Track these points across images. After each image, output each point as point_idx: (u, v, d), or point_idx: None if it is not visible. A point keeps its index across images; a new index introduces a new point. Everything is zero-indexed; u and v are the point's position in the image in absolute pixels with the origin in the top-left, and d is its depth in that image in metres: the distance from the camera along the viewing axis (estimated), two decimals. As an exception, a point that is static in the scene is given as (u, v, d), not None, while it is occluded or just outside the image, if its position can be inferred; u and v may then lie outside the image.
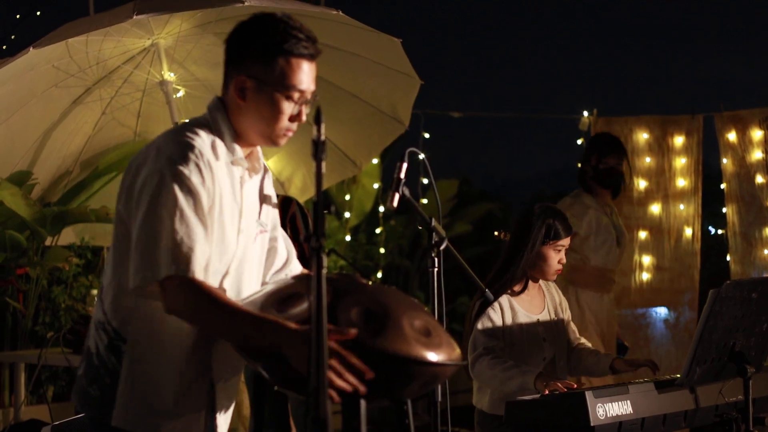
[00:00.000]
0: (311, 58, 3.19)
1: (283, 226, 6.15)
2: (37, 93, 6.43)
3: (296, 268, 3.59)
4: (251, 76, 3.16)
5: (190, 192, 3.04)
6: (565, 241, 4.96)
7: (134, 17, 5.57)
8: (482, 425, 4.94)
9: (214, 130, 3.20)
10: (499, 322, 4.85)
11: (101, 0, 8.76)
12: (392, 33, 6.34)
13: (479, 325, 4.81)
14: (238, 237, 3.23)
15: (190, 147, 3.09)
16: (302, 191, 7.49)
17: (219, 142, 3.18)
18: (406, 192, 4.01)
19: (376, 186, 11.56)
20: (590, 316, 7.09)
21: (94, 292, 7.44)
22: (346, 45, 6.49)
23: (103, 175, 7.16)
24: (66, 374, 7.96)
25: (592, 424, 4.00)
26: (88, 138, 7.02)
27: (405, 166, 4.06)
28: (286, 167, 7.47)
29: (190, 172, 3.06)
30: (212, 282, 3.11)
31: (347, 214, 11.44)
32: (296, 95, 3.17)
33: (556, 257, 4.94)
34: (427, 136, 10.13)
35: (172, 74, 6.47)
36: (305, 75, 3.18)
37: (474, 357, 4.76)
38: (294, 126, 3.23)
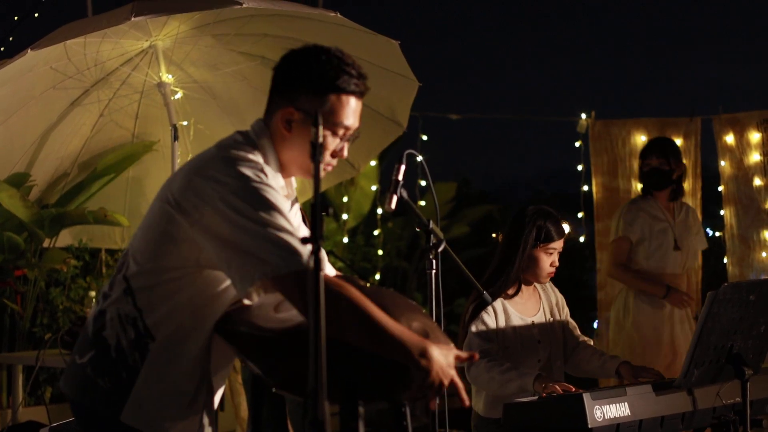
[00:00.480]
0: (360, 95, 3.21)
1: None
2: (35, 95, 6.43)
3: None
4: (300, 109, 3.15)
5: (270, 190, 3.02)
6: (557, 244, 4.93)
7: (132, 19, 5.56)
8: (480, 428, 4.94)
9: (263, 155, 3.18)
10: (492, 325, 4.84)
11: (99, 2, 8.79)
12: (390, 35, 6.34)
13: (473, 329, 4.81)
14: None
15: (253, 162, 3.08)
16: (300, 193, 7.43)
17: (267, 167, 3.15)
18: (404, 194, 4.01)
19: (374, 188, 11.56)
20: (637, 320, 7.04)
21: (92, 293, 7.44)
22: (344, 47, 6.44)
23: (101, 177, 7.16)
24: (64, 376, 7.95)
25: (589, 426, 4.00)
26: (86, 140, 7.02)
27: (403, 168, 4.06)
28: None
29: (259, 175, 3.04)
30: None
31: (345, 216, 11.44)
32: (341, 131, 3.18)
33: (547, 260, 4.92)
34: (425, 138, 10.14)
35: (170, 76, 6.46)
36: (352, 112, 3.19)
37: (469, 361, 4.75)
38: (335, 162, 3.24)
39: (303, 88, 3.15)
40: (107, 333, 3.18)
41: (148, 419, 3.15)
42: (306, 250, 2.91)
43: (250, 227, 2.95)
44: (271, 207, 2.98)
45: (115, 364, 3.15)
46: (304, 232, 3.29)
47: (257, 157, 3.12)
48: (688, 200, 8.68)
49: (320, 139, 2.66)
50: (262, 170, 3.07)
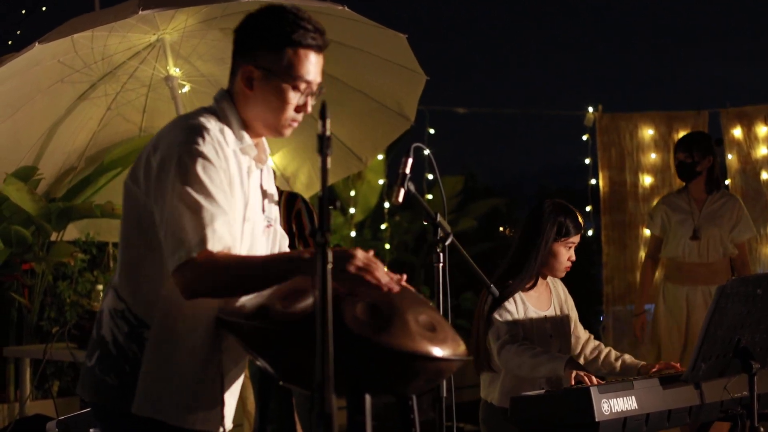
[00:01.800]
0: (319, 49, 3.23)
1: (289, 221, 6.20)
2: (43, 88, 6.43)
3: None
4: (259, 66, 3.19)
5: (208, 166, 3.05)
6: (575, 239, 4.97)
7: (140, 12, 5.57)
8: (489, 419, 4.95)
9: (222, 118, 3.22)
10: (515, 314, 4.86)
11: (106, -5, 8.78)
12: (398, 29, 6.34)
13: (498, 317, 4.82)
14: (243, 225, 3.24)
15: (203, 128, 3.11)
16: (307, 187, 7.48)
17: (227, 130, 3.20)
18: (412, 187, 4.01)
19: (381, 182, 11.57)
20: (667, 307, 7.34)
21: (100, 287, 7.44)
22: (351, 40, 6.49)
23: (108, 171, 7.16)
24: (71, 369, 7.97)
25: (596, 420, 4.00)
26: (93, 133, 7.02)
27: (410, 161, 4.05)
28: (291, 163, 7.47)
29: (205, 149, 3.07)
30: None
31: (352, 210, 11.44)
32: (303, 86, 3.20)
33: (566, 254, 4.96)
34: (432, 132, 10.14)
35: (177, 70, 6.47)
36: (312, 66, 3.21)
37: (500, 344, 4.76)
38: (299, 117, 3.25)
39: (260, 45, 3.19)
40: (104, 331, 3.21)
41: (160, 407, 3.15)
42: (200, 232, 2.98)
43: (173, 206, 3.02)
44: (195, 183, 3.02)
45: (117, 359, 3.17)
46: (253, 207, 3.30)
47: (211, 123, 3.14)
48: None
49: (327, 133, 2.66)
50: (208, 139, 3.09)
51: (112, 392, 3.17)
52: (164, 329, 3.14)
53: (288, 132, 3.28)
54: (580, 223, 5.00)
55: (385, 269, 3.00)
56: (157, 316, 3.14)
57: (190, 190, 3.02)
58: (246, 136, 3.25)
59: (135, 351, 3.14)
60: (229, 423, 3.37)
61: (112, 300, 3.21)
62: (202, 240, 2.99)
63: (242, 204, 3.23)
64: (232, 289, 3.07)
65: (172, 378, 3.16)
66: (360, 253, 2.99)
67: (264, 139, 3.37)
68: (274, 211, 3.50)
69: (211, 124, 3.16)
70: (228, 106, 3.25)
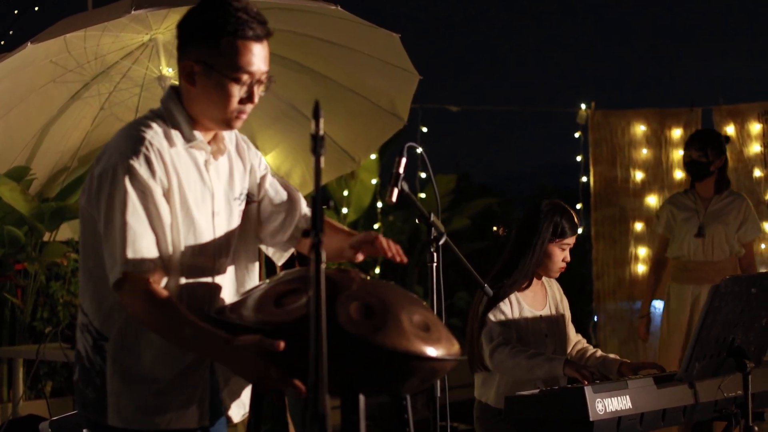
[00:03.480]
0: (258, 39, 3.17)
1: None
2: (35, 88, 6.42)
3: (303, 208, 3.55)
4: (198, 61, 3.15)
5: (140, 185, 3.06)
6: (570, 240, 4.97)
7: (132, 12, 5.55)
8: (484, 419, 4.94)
9: (168, 119, 3.21)
10: (510, 315, 4.86)
11: (99, -5, 8.77)
12: (393, 28, 6.33)
13: (492, 318, 4.82)
14: (213, 220, 3.24)
15: (140, 140, 3.10)
16: (301, 187, 7.47)
17: (174, 132, 3.18)
18: (405, 187, 4.00)
19: (374, 181, 11.56)
20: (671, 307, 7.31)
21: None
22: (344, 40, 6.48)
23: (101, 171, 7.13)
24: (64, 369, 7.96)
25: (591, 419, 4.00)
26: (86, 133, 7.00)
27: (404, 160, 4.04)
28: (284, 162, 7.47)
29: (140, 165, 3.07)
30: (196, 261, 3.18)
31: (345, 210, 11.44)
32: (244, 77, 3.15)
33: (560, 255, 4.96)
34: (425, 130, 10.13)
35: (170, 69, 6.45)
36: (253, 57, 3.16)
37: (492, 347, 4.76)
38: (247, 108, 3.21)
39: (198, 39, 3.16)
40: (78, 346, 3.25)
41: (129, 417, 3.15)
42: (132, 249, 3.02)
43: (106, 227, 3.06)
44: (121, 207, 3.04)
45: (89, 372, 3.19)
46: (219, 199, 3.29)
47: (153, 129, 3.15)
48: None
49: (320, 132, 2.65)
50: (145, 152, 3.09)
51: (93, 405, 3.19)
52: (120, 340, 3.15)
53: (238, 124, 3.24)
54: (576, 224, 5.00)
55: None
56: (114, 328, 3.15)
57: (118, 207, 3.04)
58: (196, 133, 3.22)
59: (100, 363, 3.17)
60: (237, 416, 3.36)
61: (80, 314, 3.24)
62: (130, 261, 3.01)
63: (208, 198, 3.23)
64: (158, 330, 3.09)
65: (133, 386, 3.15)
66: (273, 374, 2.97)
67: (233, 132, 3.36)
68: (250, 181, 3.46)
69: (154, 129, 3.15)
70: (174, 105, 3.23)
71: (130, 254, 3.01)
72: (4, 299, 7.84)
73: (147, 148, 3.09)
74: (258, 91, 3.20)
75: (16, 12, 11.70)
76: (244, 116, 3.23)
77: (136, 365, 3.15)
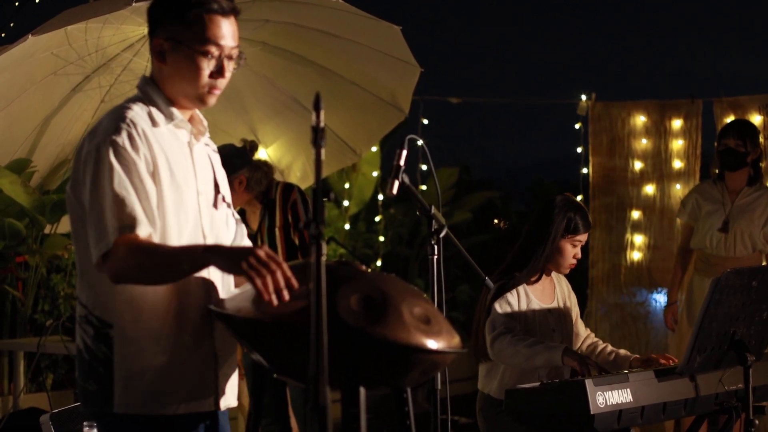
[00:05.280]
0: (224, 13, 3.20)
1: (285, 212, 6.20)
2: (36, 81, 6.41)
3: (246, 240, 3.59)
4: (167, 38, 3.20)
5: (125, 159, 3.08)
6: (583, 237, 4.97)
7: (133, 4, 5.55)
8: (486, 411, 4.94)
9: (147, 101, 3.25)
10: (516, 307, 4.86)
11: (99, -13, 8.75)
12: (394, 20, 6.33)
13: (498, 308, 4.81)
14: (198, 198, 3.26)
15: (122, 118, 3.14)
16: (302, 179, 7.47)
17: (155, 110, 3.23)
18: (406, 179, 4.00)
19: (375, 174, 11.54)
20: (692, 299, 7.25)
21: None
22: (345, 32, 6.48)
23: (102, 163, 7.14)
24: (65, 362, 7.97)
25: (591, 413, 4.00)
26: (87, 126, 6.99)
27: (405, 153, 4.04)
28: (285, 155, 7.47)
29: (123, 140, 3.09)
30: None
31: (346, 203, 11.43)
32: (213, 50, 3.19)
33: (572, 251, 4.96)
34: (426, 122, 10.12)
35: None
36: (220, 30, 3.19)
37: (494, 336, 4.75)
38: (219, 83, 3.24)
39: (165, 16, 3.21)
40: (77, 340, 3.25)
41: (141, 401, 3.15)
42: (117, 221, 3.03)
43: (92, 204, 3.07)
44: (108, 181, 3.06)
45: (90, 364, 3.18)
46: (203, 180, 3.31)
47: (134, 110, 3.18)
48: (687, 179, 8.68)
49: (321, 124, 2.65)
50: (128, 129, 3.11)
51: (96, 397, 3.18)
52: (127, 324, 3.15)
53: (212, 100, 3.26)
54: (589, 222, 5.01)
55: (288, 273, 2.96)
56: (117, 313, 3.15)
57: (105, 181, 3.05)
58: (175, 111, 3.26)
59: (105, 351, 3.16)
60: (232, 401, 3.36)
61: (78, 307, 3.24)
62: (120, 227, 3.02)
63: (191, 177, 3.25)
64: (152, 272, 3.09)
65: (144, 370, 3.15)
66: (261, 252, 2.96)
67: (197, 111, 3.37)
68: (228, 190, 3.49)
69: (134, 110, 3.19)
70: (150, 88, 3.27)
71: (119, 222, 3.03)
72: (5, 292, 7.84)
73: (129, 126, 3.12)
74: (228, 67, 3.23)
75: (17, 3, 11.68)
76: (217, 92, 3.26)
77: (142, 348, 3.15)
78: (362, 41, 6.61)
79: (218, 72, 3.21)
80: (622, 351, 5.04)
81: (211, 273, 3.26)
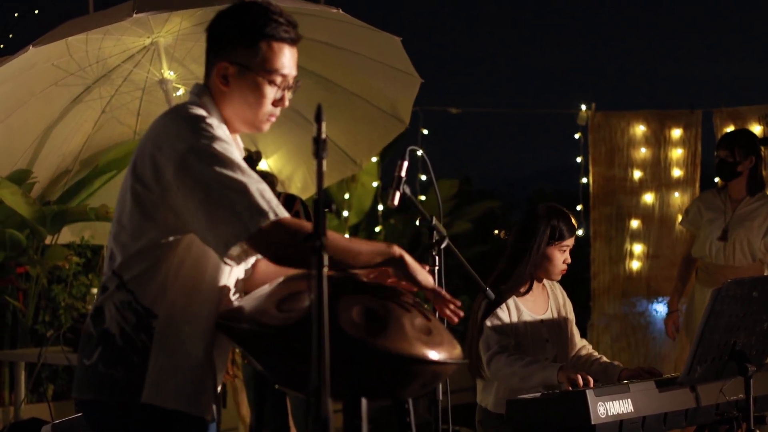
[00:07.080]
0: (292, 42, 3.25)
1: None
2: (37, 92, 6.43)
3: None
4: (233, 62, 3.21)
5: (226, 146, 3.08)
6: (570, 242, 4.96)
7: (134, 15, 5.56)
8: (485, 423, 4.94)
9: (206, 112, 3.22)
10: (506, 320, 4.85)
11: (100, -2, 8.77)
12: (394, 30, 6.34)
13: (488, 324, 4.81)
14: None
15: (203, 116, 3.15)
16: (302, 190, 7.49)
17: (213, 119, 3.20)
18: (407, 190, 4.00)
19: (375, 184, 11.55)
20: (692, 308, 7.24)
21: (94, 290, 7.44)
22: (346, 43, 6.49)
23: (103, 174, 7.16)
24: (66, 373, 7.96)
25: (592, 423, 3.99)
26: (87, 136, 7.02)
27: (406, 164, 4.04)
28: (286, 166, 7.48)
29: (217, 132, 3.10)
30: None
31: (346, 213, 11.44)
32: (278, 79, 3.22)
33: (561, 257, 4.95)
34: (426, 132, 10.13)
35: (171, 73, 6.46)
36: (287, 59, 3.23)
37: (489, 355, 4.75)
38: (277, 111, 3.28)
39: (234, 41, 3.22)
40: (109, 325, 3.18)
41: (171, 395, 3.15)
42: (268, 201, 3.01)
43: (214, 190, 3.01)
44: (227, 163, 3.04)
45: (123, 351, 3.15)
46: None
47: (203, 112, 3.18)
48: (686, 188, 8.69)
49: (323, 136, 2.65)
50: (210, 124, 3.12)
51: (119, 385, 3.15)
52: (172, 319, 3.15)
53: (266, 127, 3.30)
54: (573, 226, 4.99)
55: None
56: (165, 306, 3.15)
57: (223, 171, 3.03)
58: (225, 128, 3.26)
59: (144, 340, 3.14)
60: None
61: (120, 294, 3.17)
62: (261, 212, 3.00)
63: None
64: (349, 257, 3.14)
65: (180, 366, 3.16)
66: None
67: (238, 136, 3.38)
68: None
69: (204, 113, 3.18)
70: (208, 101, 3.25)
71: (261, 205, 3.00)
72: (6, 302, 7.84)
73: (212, 122, 3.14)
74: (288, 95, 3.27)
75: (16, 15, 11.71)
76: (273, 119, 3.30)
77: (184, 342, 3.16)
78: (363, 52, 6.62)
79: (280, 100, 3.26)
80: (616, 362, 5.03)
81: (231, 278, 3.26)
